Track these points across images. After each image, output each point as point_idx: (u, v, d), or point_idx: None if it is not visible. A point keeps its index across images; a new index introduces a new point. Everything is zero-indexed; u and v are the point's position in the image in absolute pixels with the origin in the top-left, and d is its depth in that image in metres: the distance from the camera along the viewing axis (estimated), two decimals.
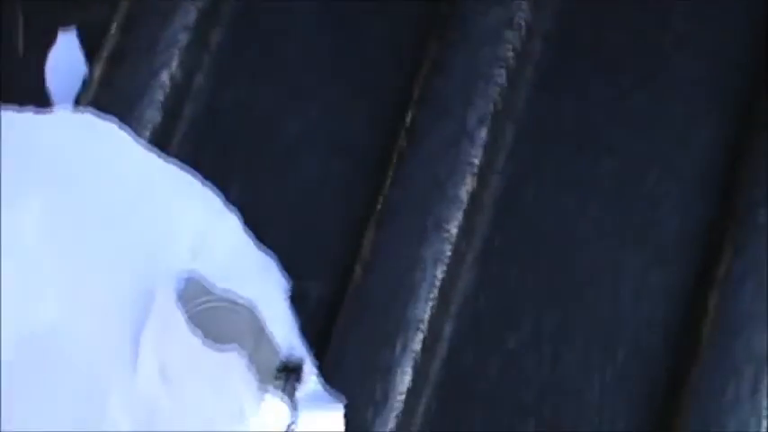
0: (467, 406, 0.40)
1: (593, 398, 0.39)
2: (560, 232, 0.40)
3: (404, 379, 0.39)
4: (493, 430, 0.39)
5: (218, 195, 0.40)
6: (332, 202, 0.41)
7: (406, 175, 0.40)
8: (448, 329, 0.40)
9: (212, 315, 0.38)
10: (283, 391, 0.38)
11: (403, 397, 0.39)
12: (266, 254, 0.40)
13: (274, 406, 0.37)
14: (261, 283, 0.39)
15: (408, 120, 0.40)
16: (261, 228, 0.40)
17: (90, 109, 0.40)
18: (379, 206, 0.40)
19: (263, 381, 0.37)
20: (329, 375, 0.39)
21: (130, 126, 0.40)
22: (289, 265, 0.40)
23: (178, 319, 0.37)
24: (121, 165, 0.39)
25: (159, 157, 0.40)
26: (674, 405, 0.38)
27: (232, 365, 0.37)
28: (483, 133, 0.40)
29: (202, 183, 0.40)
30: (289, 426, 0.38)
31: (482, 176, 0.40)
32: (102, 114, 0.40)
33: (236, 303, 0.38)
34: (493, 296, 0.40)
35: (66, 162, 0.39)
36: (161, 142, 0.41)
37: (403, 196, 0.39)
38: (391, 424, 0.39)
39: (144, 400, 0.37)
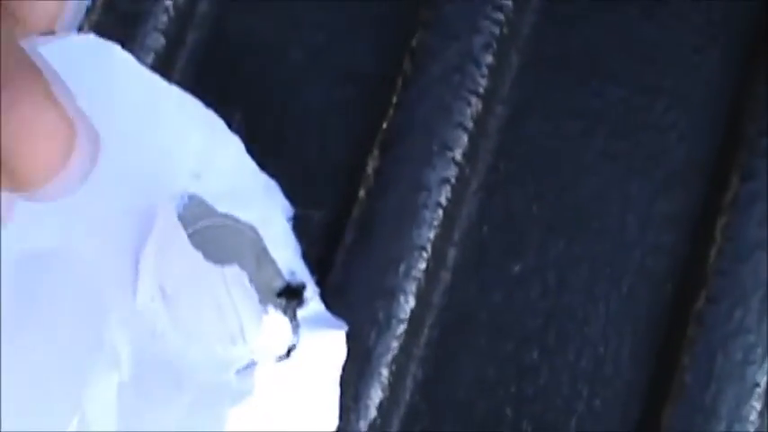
0: (469, 333, 0.39)
1: (598, 326, 0.39)
2: (566, 160, 0.40)
3: (407, 304, 0.38)
4: (496, 357, 0.39)
5: (220, 120, 0.40)
6: (336, 128, 0.41)
7: (410, 99, 0.39)
8: (451, 256, 0.40)
9: (213, 235, 0.38)
10: (285, 312, 0.37)
11: (405, 322, 0.38)
12: (269, 178, 0.40)
13: (275, 326, 0.37)
14: (263, 206, 0.39)
15: (414, 45, 0.40)
16: (263, 155, 0.39)
17: (92, 33, 0.40)
18: (383, 131, 0.39)
19: (264, 301, 0.37)
20: (331, 300, 0.39)
21: (132, 52, 0.40)
22: (291, 192, 0.40)
23: (179, 237, 0.37)
24: (124, 85, 0.39)
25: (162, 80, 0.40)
26: (679, 333, 0.38)
27: (233, 283, 0.37)
28: (488, 59, 0.39)
29: (205, 107, 0.40)
30: (290, 347, 0.37)
31: (487, 103, 0.40)
32: (104, 38, 0.40)
33: (238, 223, 0.38)
34: (497, 223, 0.40)
35: (67, 83, 0.39)
36: (163, 68, 0.41)
37: (407, 120, 0.39)
38: (393, 348, 0.38)
39: (143, 318, 0.37)
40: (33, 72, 0.25)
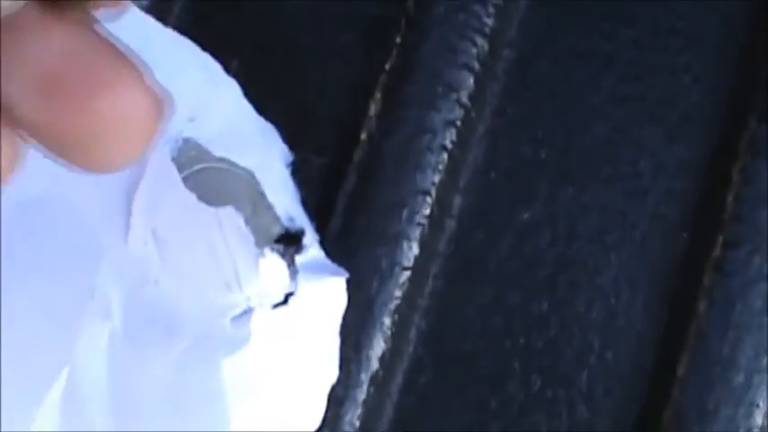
0: (476, 283, 0.38)
1: (609, 276, 0.37)
2: (576, 104, 0.38)
3: (410, 251, 0.37)
4: (503, 308, 0.37)
5: (217, 64, 0.38)
6: (336, 71, 0.39)
7: (413, 40, 0.38)
8: (457, 203, 0.38)
9: (209, 179, 0.36)
10: (282, 258, 0.36)
11: (409, 270, 0.37)
12: (267, 123, 0.38)
13: (272, 272, 0.36)
14: (261, 151, 0.37)
15: None
16: (262, 100, 0.38)
17: None
18: (385, 73, 0.38)
19: (260, 246, 0.36)
20: (332, 247, 0.37)
21: None
22: (291, 138, 0.38)
23: (172, 179, 0.36)
24: (115, 27, 0.38)
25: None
26: (695, 281, 0.36)
27: (228, 226, 0.35)
28: None
29: (201, 50, 0.38)
30: (287, 294, 0.36)
31: (493, 44, 0.38)
32: None
33: (234, 167, 0.36)
34: (504, 169, 0.38)
35: None
36: (159, 13, 0.40)
37: (411, 62, 0.38)
38: (396, 297, 0.37)
39: (135, 263, 0.35)
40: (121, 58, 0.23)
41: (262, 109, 0.38)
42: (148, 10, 0.40)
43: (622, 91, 0.38)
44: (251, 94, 0.38)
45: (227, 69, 0.39)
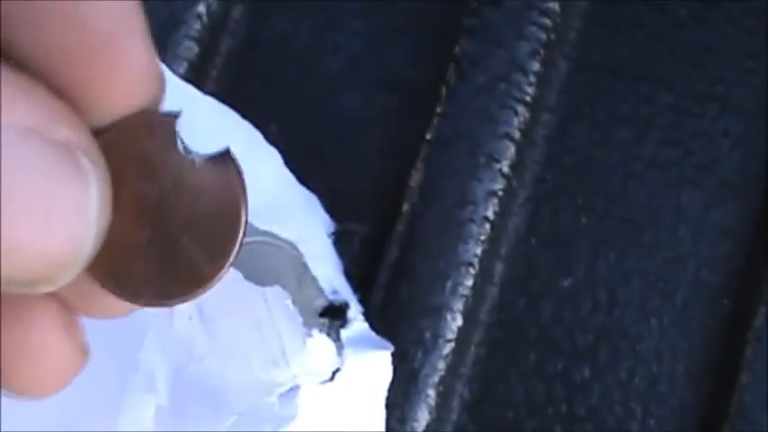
0: (518, 350, 0.38)
1: (650, 342, 0.37)
2: (616, 170, 0.38)
3: (454, 322, 0.37)
4: (545, 375, 0.37)
5: (258, 132, 0.38)
6: (376, 139, 0.39)
7: (455, 109, 0.38)
8: (498, 271, 0.38)
9: (253, 253, 0.36)
10: (328, 333, 0.36)
11: (453, 341, 0.37)
12: (309, 192, 0.38)
13: (319, 349, 0.36)
14: (303, 222, 0.37)
15: (457, 53, 0.38)
16: (302, 167, 0.38)
17: None
18: (427, 143, 0.38)
19: (307, 323, 0.36)
20: (375, 319, 0.37)
21: (164, 61, 0.38)
22: (332, 206, 0.38)
23: None
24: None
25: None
26: (737, 350, 0.37)
27: (275, 304, 0.35)
28: (535, 66, 0.38)
29: (242, 118, 0.38)
30: (334, 371, 0.36)
31: (534, 111, 0.38)
32: None
33: (277, 239, 0.36)
34: (545, 236, 0.38)
35: None
36: (197, 78, 0.39)
37: (452, 131, 0.38)
38: (440, 369, 0.37)
39: (180, 338, 0.35)
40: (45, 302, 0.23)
41: (301, 176, 0.38)
42: (186, 75, 0.39)
43: (661, 156, 0.38)
44: (290, 160, 0.38)
45: (266, 135, 0.39)
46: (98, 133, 0.22)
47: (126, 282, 0.23)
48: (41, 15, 0.21)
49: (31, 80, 0.20)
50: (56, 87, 0.21)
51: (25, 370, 0.23)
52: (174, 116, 0.24)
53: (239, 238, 0.24)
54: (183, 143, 0.24)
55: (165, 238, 0.23)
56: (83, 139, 0.20)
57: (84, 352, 0.24)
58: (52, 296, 0.23)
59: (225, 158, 0.25)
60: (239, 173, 0.25)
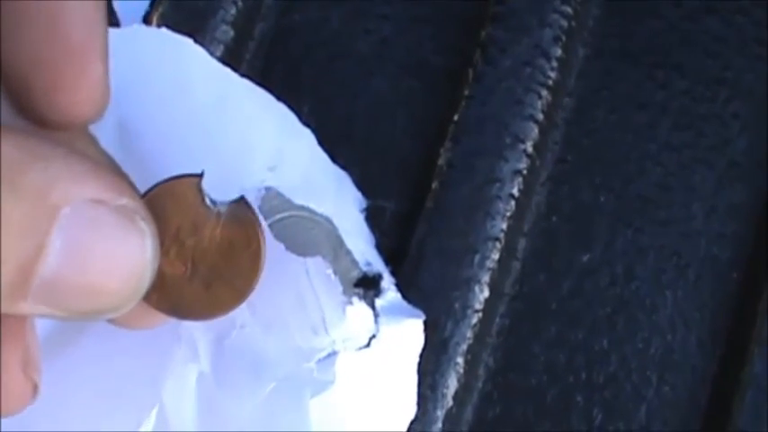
0: (540, 321, 0.40)
1: (665, 313, 0.40)
2: (632, 151, 0.41)
3: (481, 293, 0.39)
4: (566, 345, 0.40)
5: (292, 113, 0.40)
6: (405, 120, 0.41)
7: (482, 92, 0.40)
8: (522, 246, 0.40)
9: (292, 226, 0.38)
10: (365, 302, 0.38)
11: (480, 312, 0.39)
12: (341, 170, 0.40)
13: (357, 317, 0.37)
14: (336, 198, 0.39)
15: (483, 38, 0.40)
16: (333, 147, 0.40)
17: (164, 27, 0.40)
18: (455, 123, 0.40)
19: (345, 291, 0.37)
20: (406, 291, 0.39)
21: (202, 45, 0.40)
22: (363, 184, 0.40)
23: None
24: (197, 80, 0.39)
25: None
26: (746, 318, 0.39)
27: (315, 274, 0.37)
28: (558, 52, 0.40)
29: (276, 99, 0.40)
30: (370, 338, 0.38)
31: (555, 95, 0.40)
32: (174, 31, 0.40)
33: (314, 214, 0.38)
34: (565, 213, 0.40)
35: (142, 77, 0.39)
36: (232, 61, 0.41)
37: (480, 113, 0.40)
38: (468, 338, 0.39)
39: None
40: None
41: (333, 155, 0.40)
42: (222, 58, 0.41)
43: (675, 138, 0.40)
44: (322, 139, 0.40)
45: (299, 115, 0.40)
46: (143, 196, 0.29)
47: (177, 305, 0.31)
48: (24, 19, 0.25)
49: (98, 161, 0.27)
50: (25, 87, 0.25)
51: None
52: (199, 176, 0.31)
53: (262, 259, 0.32)
54: (208, 197, 0.31)
55: (203, 271, 0.31)
56: (138, 205, 0.26)
57: (35, 388, 0.30)
58: (19, 340, 0.29)
59: (241, 204, 0.31)
60: (254, 213, 0.32)
